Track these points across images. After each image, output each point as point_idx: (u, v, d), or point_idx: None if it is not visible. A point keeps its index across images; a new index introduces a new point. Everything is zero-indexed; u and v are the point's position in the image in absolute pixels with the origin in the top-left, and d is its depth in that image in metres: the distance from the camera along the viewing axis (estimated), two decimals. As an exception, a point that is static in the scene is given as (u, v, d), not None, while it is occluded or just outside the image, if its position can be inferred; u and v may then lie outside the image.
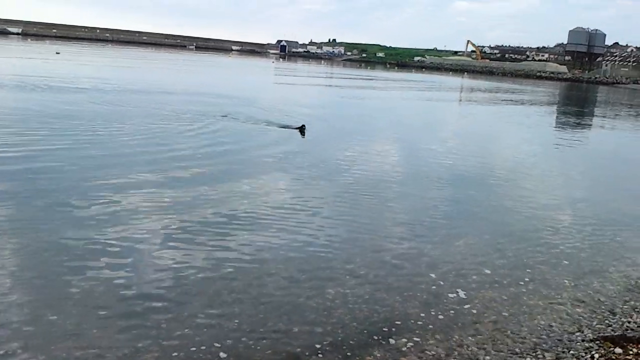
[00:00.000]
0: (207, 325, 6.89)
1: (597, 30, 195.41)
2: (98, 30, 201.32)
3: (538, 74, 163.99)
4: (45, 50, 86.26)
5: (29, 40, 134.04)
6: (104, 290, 7.57)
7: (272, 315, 7.28)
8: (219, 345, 6.44)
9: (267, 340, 6.64)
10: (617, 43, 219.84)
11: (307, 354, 6.43)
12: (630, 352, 6.79)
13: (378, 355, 6.51)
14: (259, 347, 6.48)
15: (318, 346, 6.59)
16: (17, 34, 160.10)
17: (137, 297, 7.45)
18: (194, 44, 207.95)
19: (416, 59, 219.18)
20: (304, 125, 23.11)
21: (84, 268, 8.16)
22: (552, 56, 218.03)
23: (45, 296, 7.31)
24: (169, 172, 14.11)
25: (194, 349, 6.34)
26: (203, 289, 7.87)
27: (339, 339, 6.81)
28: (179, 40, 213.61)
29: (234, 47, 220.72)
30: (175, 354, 6.22)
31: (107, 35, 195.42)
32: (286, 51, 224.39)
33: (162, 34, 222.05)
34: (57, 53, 76.58)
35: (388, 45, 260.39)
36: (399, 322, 7.32)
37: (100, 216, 10.38)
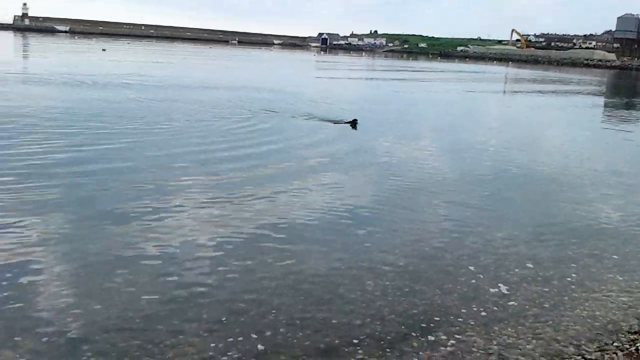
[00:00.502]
0: (245, 316, 6.96)
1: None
2: (143, 27, 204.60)
3: (585, 62, 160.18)
4: (91, 47, 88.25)
5: (76, 37, 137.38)
6: (147, 281, 7.73)
7: (311, 306, 7.32)
8: (256, 337, 6.50)
9: (305, 332, 6.68)
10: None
11: (345, 346, 6.43)
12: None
13: (417, 349, 6.47)
14: (296, 339, 6.52)
15: (356, 339, 6.58)
16: (65, 31, 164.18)
17: (178, 287, 7.57)
18: (236, 39, 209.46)
19: (459, 48, 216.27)
20: (356, 120, 23.26)
21: (129, 260, 8.35)
22: (599, 44, 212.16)
23: (90, 288, 7.50)
24: (220, 171, 14.10)
25: (231, 339, 6.42)
26: (242, 281, 7.95)
27: (378, 332, 6.80)
28: (221, 35, 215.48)
29: (275, 41, 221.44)
30: (213, 344, 6.31)
31: (152, 31, 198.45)
32: (327, 44, 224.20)
33: (204, 29, 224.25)
34: (104, 50, 78.25)
35: (430, 36, 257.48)
36: (438, 316, 7.27)
37: (148, 214, 10.58)
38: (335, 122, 23.31)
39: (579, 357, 6.46)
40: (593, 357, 6.44)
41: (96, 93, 28.39)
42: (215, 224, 10.08)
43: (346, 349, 6.37)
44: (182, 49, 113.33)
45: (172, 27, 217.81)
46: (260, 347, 6.31)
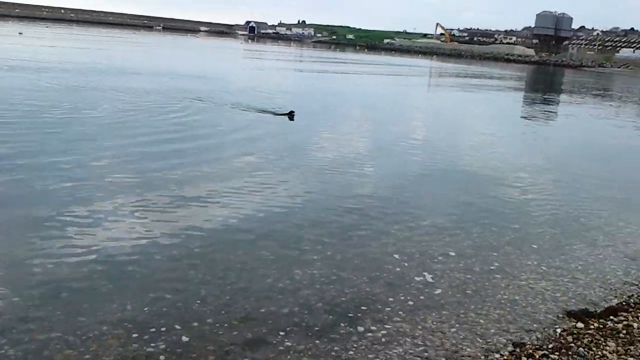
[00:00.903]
0: (170, 306, 6.82)
1: (564, 14, 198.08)
2: (62, 11, 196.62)
3: (506, 56, 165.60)
4: (6, 31, 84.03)
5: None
6: (68, 273, 7.45)
7: (238, 296, 7.25)
8: (180, 328, 6.38)
9: (232, 322, 6.60)
10: (583, 27, 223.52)
11: (272, 336, 6.39)
12: (592, 327, 6.96)
13: (344, 337, 6.51)
14: (223, 329, 6.43)
15: (284, 329, 6.56)
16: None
17: (101, 278, 7.34)
18: (161, 25, 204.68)
19: (386, 41, 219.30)
20: (292, 111, 22.86)
21: (47, 246, 8.04)
22: (520, 39, 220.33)
23: (8, 280, 7.16)
24: (146, 167, 13.83)
25: (153, 330, 6.29)
26: (167, 270, 7.79)
27: (306, 321, 6.80)
28: (145, 21, 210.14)
29: (201, 28, 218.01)
30: (135, 335, 6.16)
31: (72, 15, 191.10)
32: (255, 32, 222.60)
33: (127, 14, 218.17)
34: (20, 34, 74.69)
35: (358, 27, 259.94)
36: (365, 304, 7.33)
37: (66, 197, 10.23)
38: (272, 113, 22.94)
39: (501, 339, 6.69)
40: (514, 338, 6.69)
41: (9, 79, 27.06)
42: (139, 218, 9.82)
43: (274, 339, 6.34)
44: (105, 34, 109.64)
45: (93, 11, 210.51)
46: (185, 338, 6.19)
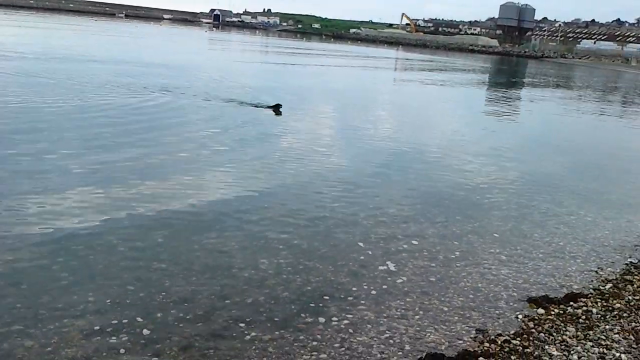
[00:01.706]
0: (133, 298, 6.74)
1: (527, 5, 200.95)
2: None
3: (470, 47, 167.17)
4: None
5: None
6: (28, 263, 7.31)
7: (203, 287, 7.19)
8: (143, 319, 6.31)
9: (196, 313, 6.55)
10: (545, 18, 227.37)
11: (237, 326, 6.36)
12: (552, 313, 7.11)
13: (310, 326, 6.52)
14: (187, 320, 6.37)
15: (249, 319, 6.54)
16: None
17: (63, 270, 7.20)
18: (124, 12, 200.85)
19: (352, 31, 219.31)
20: (279, 104, 21.49)
21: (4, 238, 7.85)
22: (484, 30, 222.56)
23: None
24: (101, 148, 13.65)
25: (116, 321, 6.21)
26: (131, 260, 7.69)
27: (271, 310, 6.78)
28: (107, 8, 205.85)
29: (165, 16, 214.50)
30: (97, 327, 6.07)
31: (32, 2, 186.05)
32: (220, 21, 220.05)
33: (89, 1, 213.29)
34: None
35: (324, 17, 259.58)
36: (331, 293, 7.35)
37: (25, 187, 10.02)
38: (256, 106, 21.94)
39: (464, 326, 6.79)
40: (477, 325, 6.80)
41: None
42: (101, 208, 9.67)
43: (239, 330, 6.31)
44: (65, 21, 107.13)
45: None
46: (148, 329, 6.11)
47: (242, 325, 6.40)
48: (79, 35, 70.26)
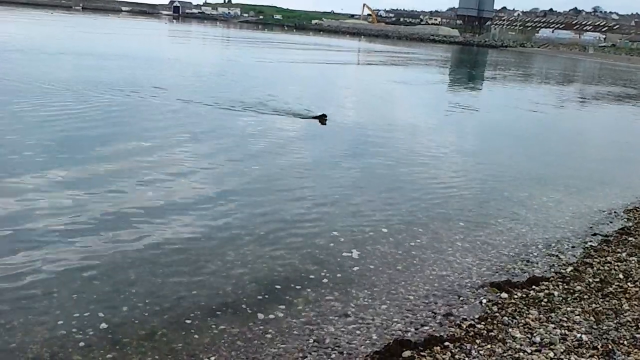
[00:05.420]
0: (99, 292, 6.66)
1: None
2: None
3: (431, 37, 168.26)
4: None
5: None
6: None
7: (170, 279, 7.14)
8: (109, 313, 6.23)
9: (163, 305, 6.49)
10: (504, 7, 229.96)
11: (205, 318, 6.34)
12: (515, 296, 7.25)
13: (278, 316, 6.54)
14: (154, 312, 6.33)
15: (217, 310, 6.52)
16: None
17: (26, 265, 7.04)
18: (81, 4, 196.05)
19: (314, 21, 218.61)
20: (324, 115, 19.86)
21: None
22: (444, 20, 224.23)
23: None
24: (60, 147, 13.38)
25: (80, 315, 6.13)
26: (95, 254, 7.56)
27: (238, 301, 6.77)
28: (63, 1, 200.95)
29: (123, 8, 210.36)
30: (61, 322, 5.99)
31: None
32: (179, 12, 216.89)
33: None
34: None
35: (285, 8, 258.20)
36: (298, 282, 7.38)
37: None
38: (300, 117, 20.36)
39: (430, 313, 6.89)
40: (442, 311, 6.90)
41: None
42: (68, 203, 9.50)
43: (206, 322, 6.28)
44: (19, 14, 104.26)
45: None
46: (114, 323, 6.04)
47: (209, 316, 6.38)
48: (36, 28, 68.51)
